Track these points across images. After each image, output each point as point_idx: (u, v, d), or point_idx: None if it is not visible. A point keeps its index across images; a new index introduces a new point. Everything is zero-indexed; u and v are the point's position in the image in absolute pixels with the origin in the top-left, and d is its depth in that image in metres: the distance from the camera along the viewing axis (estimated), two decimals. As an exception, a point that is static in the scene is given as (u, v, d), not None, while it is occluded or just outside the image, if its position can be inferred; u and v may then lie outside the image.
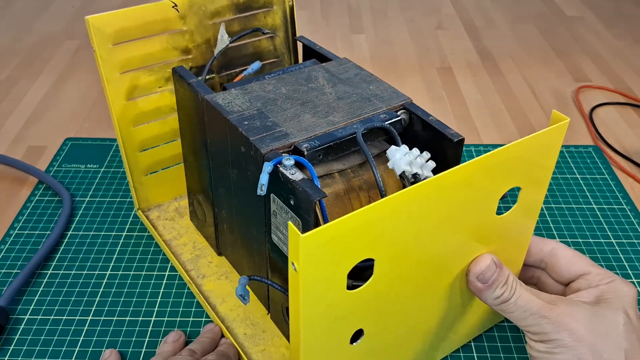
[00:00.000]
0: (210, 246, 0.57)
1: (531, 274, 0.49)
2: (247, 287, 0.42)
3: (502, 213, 0.41)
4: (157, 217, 0.61)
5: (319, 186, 0.37)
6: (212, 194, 0.51)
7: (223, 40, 0.53)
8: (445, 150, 0.42)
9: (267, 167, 0.38)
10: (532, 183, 0.41)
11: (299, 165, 0.39)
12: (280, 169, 0.38)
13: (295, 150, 0.41)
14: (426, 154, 0.40)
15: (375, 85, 0.47)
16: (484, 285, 0.42)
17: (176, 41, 0.53)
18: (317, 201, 0.36)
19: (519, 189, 0.41)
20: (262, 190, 0.38)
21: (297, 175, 0.37)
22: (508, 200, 0.61)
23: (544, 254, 0.47)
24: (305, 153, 0.40)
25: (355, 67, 0.50)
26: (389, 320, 0.40)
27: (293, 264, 0.31)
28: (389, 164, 0.39)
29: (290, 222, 0.31)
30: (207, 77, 0.54)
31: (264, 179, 0.38)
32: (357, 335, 0.39)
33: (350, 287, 0.35)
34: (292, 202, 0.38)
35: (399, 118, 0.44)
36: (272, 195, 0.41)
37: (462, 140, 0.41)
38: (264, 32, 0.54)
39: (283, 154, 0.39)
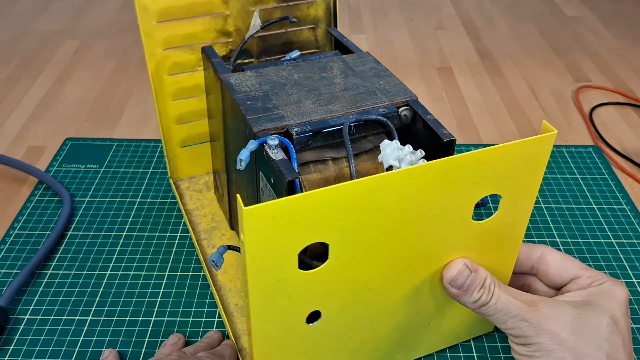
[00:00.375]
0: (226, 220, 0.59)
1: (522, 282, 0.48)
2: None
3: (482, 219, 0.40)
4: (186, 187, 0.64)
5: (296, 168, 0.38)
6: (227, 169, 0.53)
7: (255, 26, 0.55)
8: (438, 149, 0.42)
9: (251, 144, 0.40)
10: (514, 193, 0.40)
11: (286, 147, 0.40)
12: (265, 147, 0.40)
13: (286, 133, 0.42)
14: (420, 152, 0.40)
15: (385, 80, 0.47)
16: (459, 291, 0.41)
17: (218, 24, 0.55)
18: (288, 181, 0.37)
19: (499, 197, 0.40)
20: (240, 165, 0.40)
21: (278, 155, 0.39)
22: (490, 207, 0.61)
23: (533, 260, 0.46)
24: (294, 136, 0.41)
25: (373, 61, 0.50)
26: (349, 307, 0.40)
27: (240, 234, 0.33)
28: (379, 157, 0.40)
29: (237, 195, 0.32)
30: (246, 61, 0.56)
31: (243, 154, 0.39)
32: (316, 316, 0.40)
33: (311, 268, 0.36)
34: (272, 181, 0.40)
35: (397, 114, 0.44)
36: (260, 173, 0.42)
37: (453, 141, 0.41)
38: (292, 20, 0.55)
39: (274, 135, 0.40)
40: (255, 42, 0.56)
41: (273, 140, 0.40)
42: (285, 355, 0.41)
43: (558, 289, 0.46)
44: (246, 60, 0.57)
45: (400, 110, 0.44)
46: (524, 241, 0.45)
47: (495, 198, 0.40)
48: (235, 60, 0.55)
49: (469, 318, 0.48)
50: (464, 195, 0.38)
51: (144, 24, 0.52)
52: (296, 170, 0.38)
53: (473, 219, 0.39)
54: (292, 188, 0.37)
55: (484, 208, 0.61)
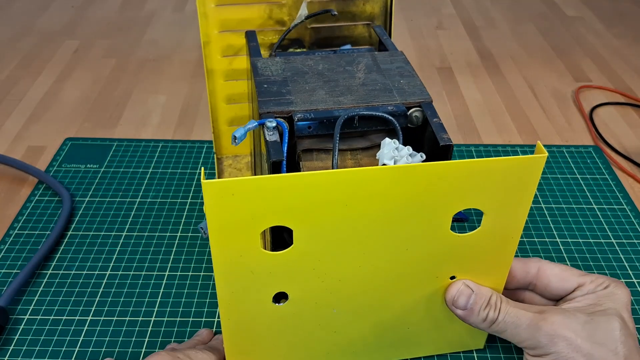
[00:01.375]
0: None
1: (516, 297, 0.48)
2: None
3: (463, 233, 0.39)
4: (229, 165, 0.66)
5: (285, 151, 0.39)
6: (254, 150, 0.55)
7: (300, 16, 0.56)
8: (437, 154, 0.41)
9: (250, 124, 0.41)
10: (498, 211, 0.38)
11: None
12: (264, 129, 0.40)
13: (290, 118, 0.42)
14: (420, 156, 0.40)
15: (407, 80, 0.47)
16: (464, 312, 0.41)
17: (274, 12, 0.56)
18: (272, 162, 0.38)
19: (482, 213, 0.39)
20: (234, 141, 0.40)
21: (272, 137, 0.40)
22: (473, 220, 0.61)
23: (531, 276, 0.46)
24: (295, 122, 0.42)
25: (403, 61, 0.50)
26: (316, 294, 0.40)
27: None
28: (377, 155, 0.40)
29: (202, 167, 0.34)
30: (298, 50, 0.58)
31: (238, 132, 0.40)
32: (283, 297, 0.40)
33: (279, 247, 0.37)
34: (266, 161, 0.41)
35: (406, 113, 0.44)
36: (262, 153, 0.43)
37: (449, 146, 0.40)
38: (333, 13, 0.55)
39: (277, 118, 0.41)
40: (308, 33, 0.57)
41: (271, 122, 0.40)
42: (253, 334, 0.42)
43: (558, 299, 0.46)
44: (298, 50, 0.58)
45: (410, 110, 0.44)
46: (518, 254, 0.44)
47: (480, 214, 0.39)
48: (287, 49, 0.56)
49: (452, 332, 0.47)
50: (439, 204, 0.37)
51: (201, 5, 0.54)
52: (284, 154, 0.39)
53: (455, 232, 0.39)
54: (277, 169, 0.38)
55: (468, 223, 0.61)
